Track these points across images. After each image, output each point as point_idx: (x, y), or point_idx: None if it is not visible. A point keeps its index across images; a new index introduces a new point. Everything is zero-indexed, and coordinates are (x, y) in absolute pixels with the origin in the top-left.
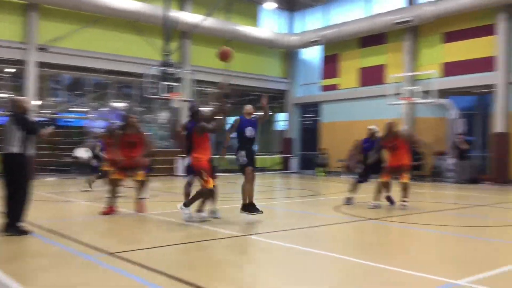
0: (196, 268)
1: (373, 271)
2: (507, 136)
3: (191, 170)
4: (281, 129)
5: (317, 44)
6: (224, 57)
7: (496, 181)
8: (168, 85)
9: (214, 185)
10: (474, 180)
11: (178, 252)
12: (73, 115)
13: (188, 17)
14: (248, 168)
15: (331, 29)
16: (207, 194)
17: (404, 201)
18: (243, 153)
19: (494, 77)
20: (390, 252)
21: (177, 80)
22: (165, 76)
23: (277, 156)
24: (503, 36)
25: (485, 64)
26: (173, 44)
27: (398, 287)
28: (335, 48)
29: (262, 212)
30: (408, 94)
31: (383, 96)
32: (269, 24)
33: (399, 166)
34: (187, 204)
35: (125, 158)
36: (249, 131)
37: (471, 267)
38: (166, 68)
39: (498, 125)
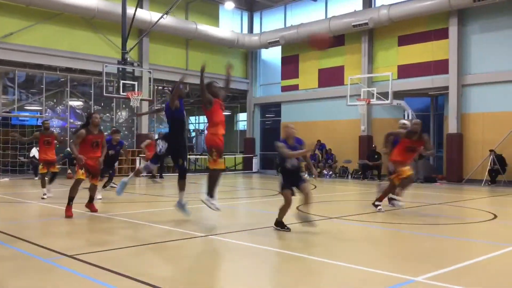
0: (161, 270)
1: (331, 269)
2: (460, 137)
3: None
4: (243, 129)
5: (277, 45)
6: (319, 44)
7: (451, 180)
8: (126, 83)
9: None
10: (429, 179)
11: (142, 253)
12: (27, 114)
13: (147, 15)
14: (287, 193)
15: (290, 30)
16: (218, 176)
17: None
18: (282, 177)
19: (447, 80)
20: (349, 250)
21: (135, 78)
22: (123, 75)
23: (239, 156)
24: (455, 40)
25: (438, 67)
26: (132, 42)
27: (357, 285)
28: (295, 49)
29: (289, 229)
30: (365, 95)
31: (342, 97)
32: (230, 24)
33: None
34: (212, 195)
35: (89, 158)
36: (290, 163)
37: (428, 264)
38: (124, 66)
39: (451, 126)
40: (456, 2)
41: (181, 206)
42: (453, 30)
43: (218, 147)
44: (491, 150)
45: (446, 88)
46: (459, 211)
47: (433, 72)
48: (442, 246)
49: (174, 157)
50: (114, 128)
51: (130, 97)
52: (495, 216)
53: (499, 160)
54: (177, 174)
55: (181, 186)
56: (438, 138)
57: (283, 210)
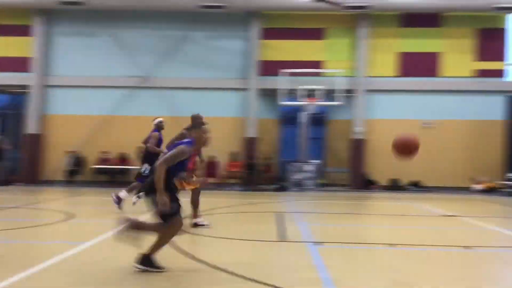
0: None
1: None
2: (39, 137)
3: None
4: None
5: None
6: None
7: (27, 182)
8: None
9: None
10: (6, 181)
11: None
12: None
13: None
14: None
15: None
16: None
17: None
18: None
19: (29, 78)
20: None
21: None
22: None
23: None
24: (39, 38)
25: (21, 64)
26: None
27: None
28: None
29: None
30: None
31: None
32: None
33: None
34: None
35: None
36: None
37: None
38: None
39: (31, 126)
40: (39, 1)
41: None
42: (38, 29)
43: None
44: (69, 151)
45: (28, 87)
46: (35, 213)
47: (15, 69)
48: (11, 252)
49: None
50: None
51: None
52: (71, 216)
53: (78, 161)
54: None
55: None
56: (16, 138)
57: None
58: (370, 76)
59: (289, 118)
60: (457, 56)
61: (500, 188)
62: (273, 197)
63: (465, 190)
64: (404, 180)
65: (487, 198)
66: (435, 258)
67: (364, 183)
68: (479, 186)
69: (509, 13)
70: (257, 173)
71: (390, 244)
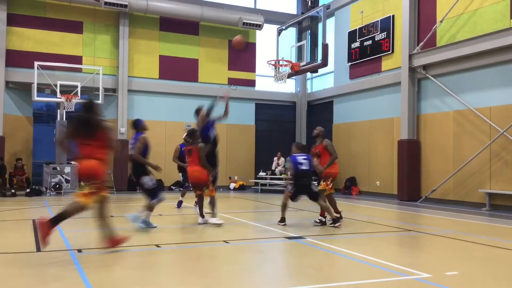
0: None
1: None
2: None
3: None
4: None
5: None
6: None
7: None
8: None
9: None
10: None
11: None
12: None
13: None
14: None
15: None
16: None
17: None
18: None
19: None
20: None
21: None
22: None
23: None
24: None
25: None
26: None
27: None
28: None
29: None
30: None
31: None
32: None
33: None
34: None
35: None
36: None
37: None
38: None
39: None
40: None
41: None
42: None
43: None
44: None
45: None
46: None
47: None
48: None
49: None
50: None
51: None
52: None
53: None
54: None
55: None
56: None
57: None
58: (132, 76)
59: (45, 115)
60: (213, 64)
61: (251, 185)
62: (26, 203)
63: (227, 188)
64: (168, 181)
65: (240, 195)
66: (198, 254)
67: (129, 185)
68: (234, 185)
69: (257, 29)
70: (5, 177)
71: (157, 245)
